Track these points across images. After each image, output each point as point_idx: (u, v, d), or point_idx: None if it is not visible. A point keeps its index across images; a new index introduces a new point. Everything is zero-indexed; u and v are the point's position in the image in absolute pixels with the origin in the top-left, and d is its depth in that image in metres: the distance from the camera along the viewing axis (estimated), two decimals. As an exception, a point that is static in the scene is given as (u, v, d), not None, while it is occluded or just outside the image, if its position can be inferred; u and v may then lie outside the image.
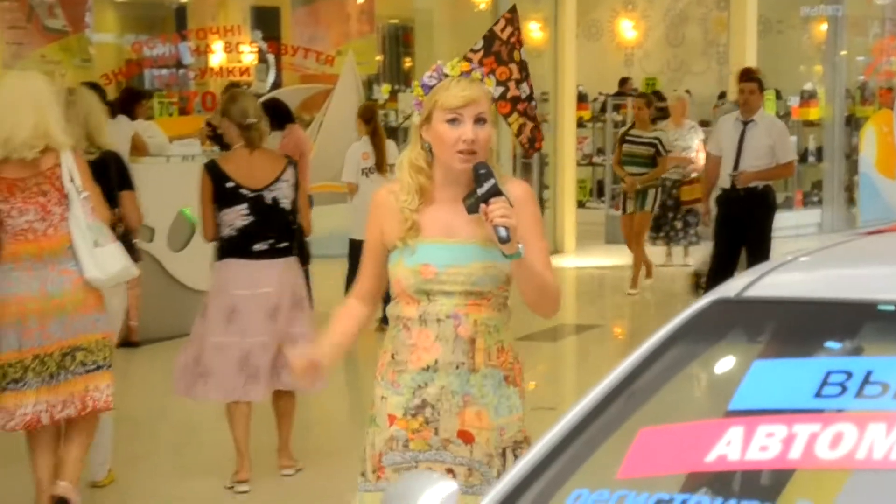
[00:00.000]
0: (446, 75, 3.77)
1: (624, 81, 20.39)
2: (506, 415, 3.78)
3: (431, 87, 3.77)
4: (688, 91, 19.40)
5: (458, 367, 3.75)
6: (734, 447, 2.31)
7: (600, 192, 19.42)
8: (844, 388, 2.29)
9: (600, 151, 19.69)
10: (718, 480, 2.55)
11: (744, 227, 10.66)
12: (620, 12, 22.10)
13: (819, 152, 19.09)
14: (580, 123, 19.01)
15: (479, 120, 3.73)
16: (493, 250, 3.66)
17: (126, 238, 6.79)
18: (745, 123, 10.71)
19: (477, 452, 3.75)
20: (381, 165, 10.64)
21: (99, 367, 6.08)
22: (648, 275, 13.76)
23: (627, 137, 13.72)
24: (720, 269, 10.82)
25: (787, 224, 16.28)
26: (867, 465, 2.20)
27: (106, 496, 6.88)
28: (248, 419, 6.91)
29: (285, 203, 6.92)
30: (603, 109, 19.80)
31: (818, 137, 19.15)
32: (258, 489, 6.91)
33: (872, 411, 2.24)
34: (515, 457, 3.71)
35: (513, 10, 10.90)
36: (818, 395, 2.31)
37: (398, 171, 3.89)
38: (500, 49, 10.67)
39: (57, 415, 6.01)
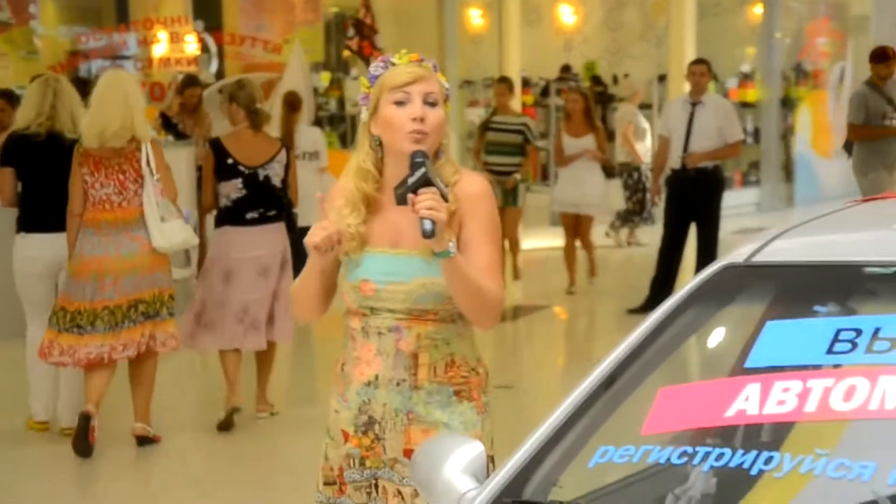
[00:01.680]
0: (394, 64, 3.45)
1: (567, 69, 20.54)
2: (460, 431, 3.37)
3: (377, 77, 3.45)
4: (626, 75, 19.64)
5: (398, 384, 3.43)
6: (752, 402, 2.42)
7: (545, 175, 19.54)
8: (855, 345, 2.42)
9: (543, 135, 19.80)
10: (721, 435, 2.66)
11: (692, 205, 10.88)
12: (559, -2, 22.24)
13: (756, 133, 19.31)
14: (523, 107, 19.13)
15: (428, 101, 3.40)
16: (437, 263, 3.32)
17: None
18: (694, 105, 10.92)
19: None
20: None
21: (158, 316, 7.16)
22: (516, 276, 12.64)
23: (491, 125, 12.46)
24: (671, 246, 11.05)
25: (728, 204, 16.38)
26: (880, 416, 2.33)
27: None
28: (239, 363, 7.78)
29: (276, 180, 7.73)
30: (545, 94, 19.93)
31: (755, 119, 19.38)
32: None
33: (882, 365, 2.37)
34: None
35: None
36: (830, 351, 2.43)
37: (343, 179, 3.53)
38: (369, 34, 12.49)
39: (116, 356, 7.09)
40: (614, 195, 12.68)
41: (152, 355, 7.24)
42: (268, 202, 7.71)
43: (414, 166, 3.27)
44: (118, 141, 7.03)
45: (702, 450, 2.45)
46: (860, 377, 2.36)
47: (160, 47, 16.64)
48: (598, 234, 13.92)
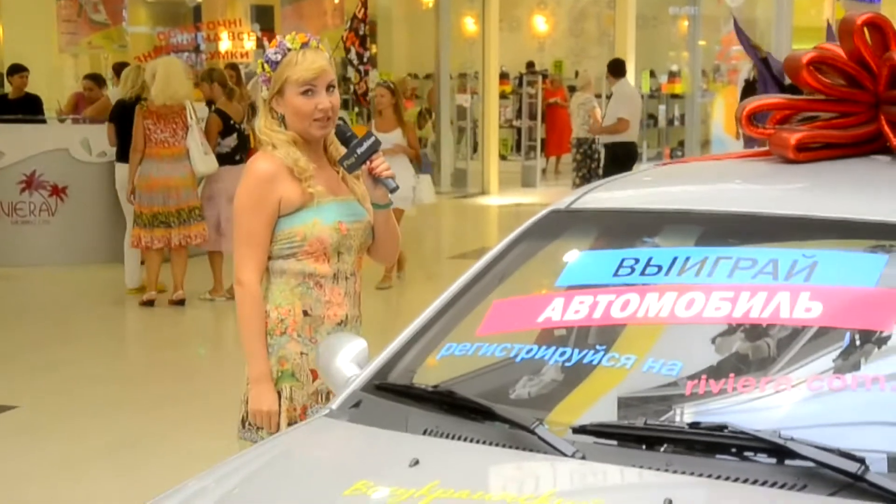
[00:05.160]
0: (289, 49, 3.11)
1: (531, 65, 20.45)
2: None
3: (278, 63, 3.11)
4: (584, 70, 19.56)
5: (355, 321, 3.22)
6: (556, 311, 2.46)
7: (518, 147, 19.57)
8: (633, 269, 2.47)
9: (518, 116, 19.80)
10: (559, 340, 2.70)
11: None
12: (535, 9, 22.13)
13: (682, 118, 19.28)
14: (503, 95, 19.08)
15: (329, 87, 3.13)
16: (364, 206, 3.21)
17: None
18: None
19: None
20: None
21: (200, 219, 8.52)
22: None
23: None
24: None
25: (658, 172, 16.42)
26: (643, 322, 2.39)
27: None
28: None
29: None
30: (520, 84, 19.87)
31: (681, 107, 19.32)
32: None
33: (650, 285, 2.42)
34: None
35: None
36: (615, 274, 2.48)
37: (273, 137, 3.15)
38: (357, 26, 11.99)
39: (187, 242, 8.46)
40: (424, 188, 9.68)
41: (188, 246, 8.60)
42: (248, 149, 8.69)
43: (350, 139, 3.07)
44: (179, 101, 8.35)
45: (518, 346, 2.51)
46: (634, 293, 2.42)
47: (224, 44, 16.66)
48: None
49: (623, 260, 2.50)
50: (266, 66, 3.14)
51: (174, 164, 8.37)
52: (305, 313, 3.14)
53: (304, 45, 3.13)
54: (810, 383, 2.24)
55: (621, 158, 11.24)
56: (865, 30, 2.69)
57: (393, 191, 3.10)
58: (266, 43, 18.13)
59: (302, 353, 3.15)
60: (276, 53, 3.13)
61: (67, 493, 4.92)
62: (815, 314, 2.23)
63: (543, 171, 18.73)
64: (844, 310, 2.24)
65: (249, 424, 3.16)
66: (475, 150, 17.75)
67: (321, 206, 3.12)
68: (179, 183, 8.43)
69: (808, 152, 2.69)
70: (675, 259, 2.46)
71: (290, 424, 3.13)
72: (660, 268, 2.45)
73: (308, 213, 3.11)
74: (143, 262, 8.88)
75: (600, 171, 15.09)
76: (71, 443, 5.51)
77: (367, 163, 3.06)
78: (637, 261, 2.48)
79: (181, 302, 8.54)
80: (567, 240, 2.76)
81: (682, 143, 19.35)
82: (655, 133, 19.16)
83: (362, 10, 11.44)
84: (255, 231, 3.10)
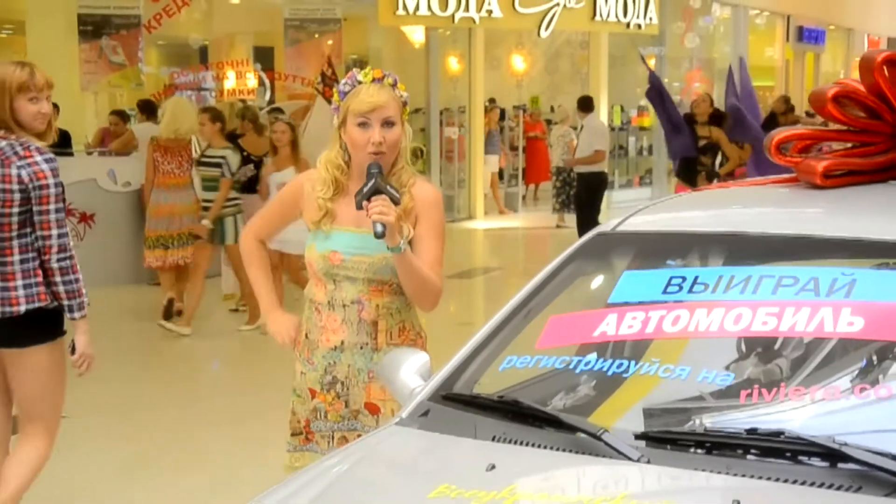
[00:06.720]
0: (360, 82, 3.01)
1: (492, 100, 20.42)
2: None
3: (346, 94, 3.02)
4: (560, 105, 19.61)
5: (362, 348, 3.06)
6: (611, 326, 2.45)
7: (500, 176, 19.56)
8: (681, 287, 2.46)
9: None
10: (598, 351, 2.69)
11: None
12: (514, 49, 22.14)
13: (650, 149, 19.33)
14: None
15: (386, 123, 2.99)
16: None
17: None
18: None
19: (383, 422, 2.89)
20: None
21: (194, 241, 8.46)
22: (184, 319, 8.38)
23: (202, 159, 8.25)
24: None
25: (629, 198, 16.60)
26: (695, 336, 2.37)
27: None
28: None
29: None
30: (503, 118, 19.90)
31: (649, 138, 19.38)
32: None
33: (698, 301, 2.41)
34: None
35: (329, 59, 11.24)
36: (664, 292, 2.46)
37: (318, 167, 3.12)
38: (330, 83, 11.07)
39: (185, 262, 8.53)
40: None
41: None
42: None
43: (369, 176, 2.91)
44: (185, 136, 8.50)
45: (576, 358, 2.49)
46: (683, 309, 2.40)
47: (229, 82, 16.69)
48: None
49: (671, 278, 2.49)
50: (338, 96, 3.05)
51: (179, 192, 8.51)
52: (307, 336, 3.15)
53: (377, 80, 3.03)
54: (857, 392, 2.22)
55: (594, 186, 11.43)
56: (884, 67, 2.69)
57: (377, 236, 2.82)
58: (267, 81, 18.24)
59: (301, 373, 3.16)
60: (346, 84, 3.04)
61: (118, 496, 4.86)
62: (857, 328, 2.22)
63: (524, 197, 18.73)
64: (885, 323, 2.24)
65: (291, 436, 3.20)
66: (462, 178, 17.71)
67: (329, 232, 3.07)
68: (183, 210, 8.54)
69: (834, 178, 2.69)
70: (720, 277, 2.44)
71: (293, 435, 3.19)
72: (706, 285, 2.43)
73: (313, 235, 3.12)
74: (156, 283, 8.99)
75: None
76: (112, 450, 5.45)
77: (366, 202, 2.85)
78: (684, 279, 2.47)
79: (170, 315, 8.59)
80: (613, 260, 2.75)
81: (650, 171, 19.41)
82: (626, 162, 19.21)
83: (330, 69, 11.08)
84: (269, 207, 3.36)
